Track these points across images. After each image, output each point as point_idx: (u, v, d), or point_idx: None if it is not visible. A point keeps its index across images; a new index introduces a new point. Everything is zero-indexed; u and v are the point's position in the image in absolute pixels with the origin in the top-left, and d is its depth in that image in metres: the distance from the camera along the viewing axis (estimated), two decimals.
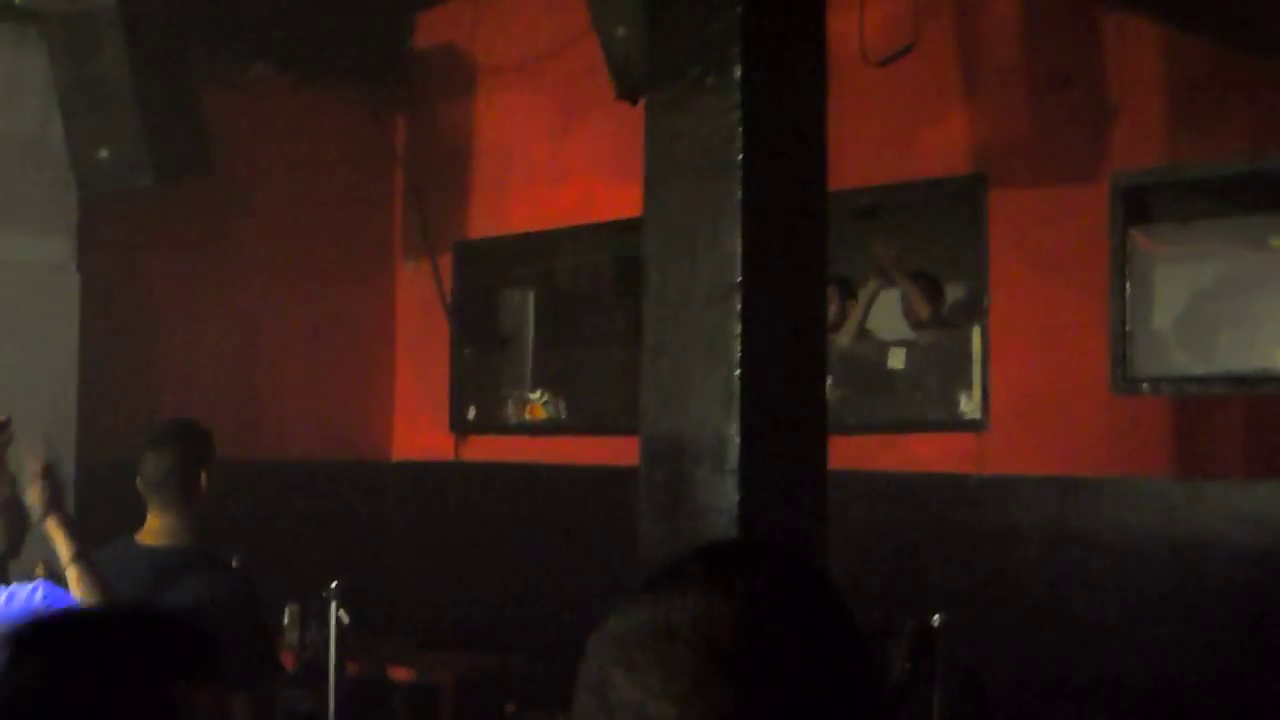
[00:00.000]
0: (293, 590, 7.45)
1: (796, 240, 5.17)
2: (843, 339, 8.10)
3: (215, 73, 8.05)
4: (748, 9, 4.94)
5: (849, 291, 8.29)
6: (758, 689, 1.19)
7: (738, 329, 4.96)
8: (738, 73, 4.94)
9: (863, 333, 8.50)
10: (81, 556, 4.42)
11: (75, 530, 4.47)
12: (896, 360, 8.22)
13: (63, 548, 4.42)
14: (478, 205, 9.37)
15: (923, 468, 7.34)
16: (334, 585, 6.32)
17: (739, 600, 1.22)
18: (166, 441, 4.77)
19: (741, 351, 4.97)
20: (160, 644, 2.13)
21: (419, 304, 9.56)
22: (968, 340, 7.51)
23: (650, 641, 1.21)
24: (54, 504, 4.43)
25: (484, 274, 9.57)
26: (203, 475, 4.75)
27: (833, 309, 7.64)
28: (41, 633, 2.13)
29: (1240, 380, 6.65)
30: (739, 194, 4.96)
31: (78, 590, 4.37)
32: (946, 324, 8.15)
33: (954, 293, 8.25)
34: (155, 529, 4.74)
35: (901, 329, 8.55)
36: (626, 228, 8.25)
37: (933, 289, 8.34)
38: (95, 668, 2.05)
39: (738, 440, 4.96)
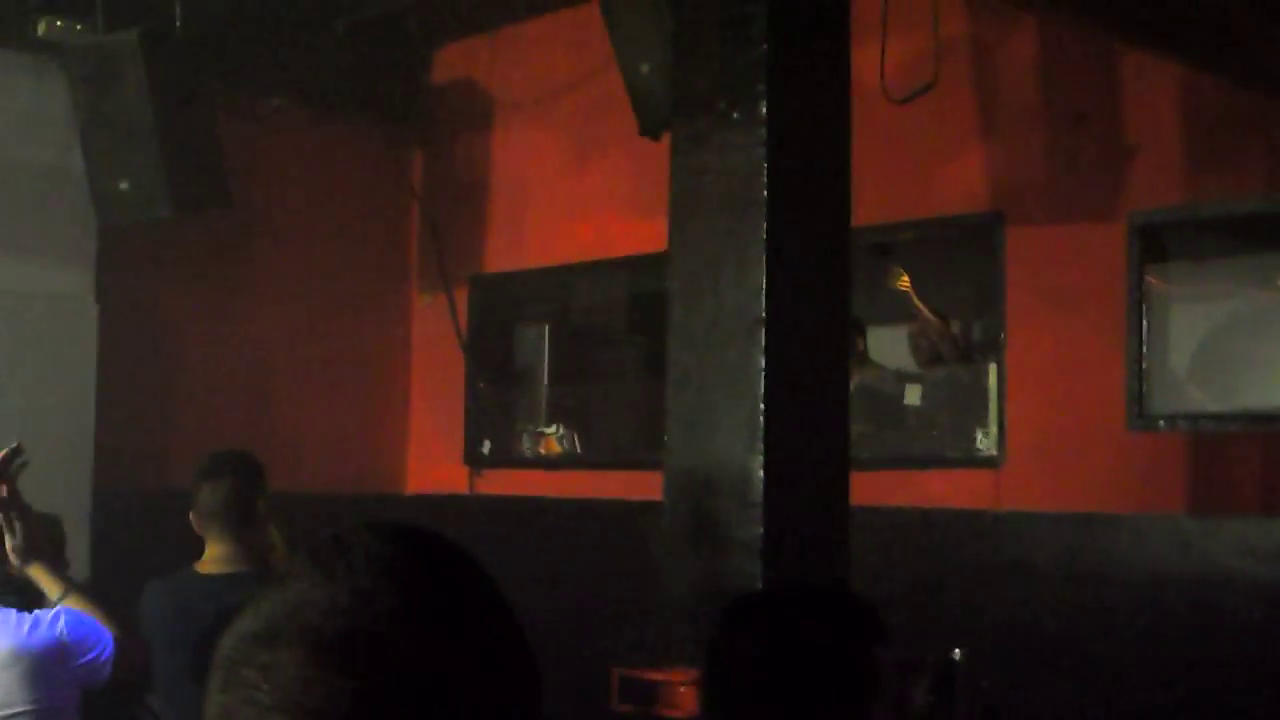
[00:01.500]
0: None
1: (821, 276, 5.19)
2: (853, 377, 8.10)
3: (234, 106, 8.10)
4: (773, 44, 4.97)
5: (859, 329, 8.31)
6: (373, 673, 1.07)
7: (762, 364, 4.97)
8: (763, 108, 4.96)
9: (874, 369, 8.52)
10: (69, 592, 4.40)
11: (58, 570, 4.47)
12: (912, 396, 8.24)
13: (50, 588, 4.40)
14: (493, 240, 9.40)
15: (939, 503, 7.34)
16: None
17: (340, 582, 1.11)
18: (222, 471, 4.78)
19: (766, 386, 4.99)
20: (852, 615, 2.45)
21: (434, 337, 9.58)
22: (984, 377, 7.53)
23: (254, 652, 1.09)
24: (30, 549, 4.33)
25: (499, 308, 9.61)
26: (259, 502, 4.78)
27: None
28: (752, 608, 2.54)
29: (1256, 418, 6.67)
30: (764, 229, 4.98)
31: None
32: (961, 359, 8.18)
33: (971, 329, 8.27)
34: (214, 557, 4.75)
35: (908, 365, 8.57)
36: (641, 263, 8.33)
37: (941, 326, 8.37)
38: (804, 636, 2.41)
39: (761, 474, 4.97)
